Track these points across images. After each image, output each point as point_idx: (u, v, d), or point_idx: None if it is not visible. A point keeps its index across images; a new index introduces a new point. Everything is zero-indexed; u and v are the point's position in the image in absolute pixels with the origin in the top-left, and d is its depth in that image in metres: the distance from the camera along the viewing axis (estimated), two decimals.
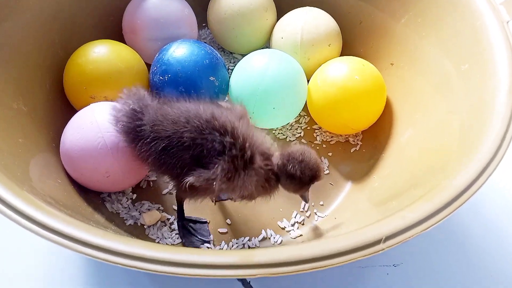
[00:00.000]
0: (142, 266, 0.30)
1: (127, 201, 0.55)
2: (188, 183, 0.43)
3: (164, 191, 0.57)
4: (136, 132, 0.46)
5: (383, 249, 0.31)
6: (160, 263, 0.31)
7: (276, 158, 0.46)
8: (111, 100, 0.55)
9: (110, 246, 0.31)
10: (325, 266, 0.30)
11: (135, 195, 0.56)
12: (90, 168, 0.49)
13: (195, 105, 0.46)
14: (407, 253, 0.54)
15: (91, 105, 0.52)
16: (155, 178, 0.58)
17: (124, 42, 0.63)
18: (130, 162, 0.50)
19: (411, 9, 0.59)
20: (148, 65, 0.60)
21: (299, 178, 0.44)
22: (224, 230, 0.54)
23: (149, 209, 0.55)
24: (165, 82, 0.56)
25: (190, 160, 0.44)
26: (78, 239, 0.33)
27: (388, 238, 0.32)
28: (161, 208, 0.55)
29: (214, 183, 0.42)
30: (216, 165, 0.42)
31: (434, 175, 0.42)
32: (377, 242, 0.32)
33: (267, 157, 0.45)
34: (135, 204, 0.55)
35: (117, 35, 0.65)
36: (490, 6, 0.49)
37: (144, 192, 0.57)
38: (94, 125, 0.49)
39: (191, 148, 0.43)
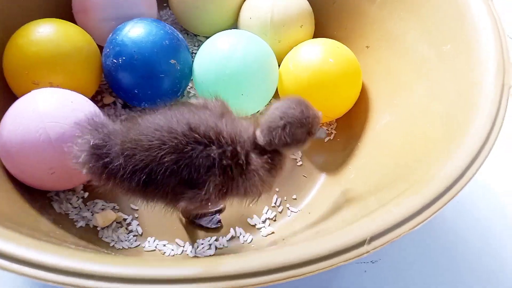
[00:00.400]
0: (80, 284, 0.25)
1: (78, 200, 0.49)
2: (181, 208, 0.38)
3: None
4: (107, 171, 0.38)
5: (368, 252, 0.27)
6: (105, 279, 0.26)
7: (260, 138, 0.38)
8: (57, 86, 0.49)
9: (41, 260, 0.26)
10: (302, 275, 0.25)
11: (87, 194, 0.50)
12: (31, 163, 0.43)
13: (165, 117, 0.39)
14: (384, 248, 0.50)
15: (33, 91, 0.46)
16: None
17: (75, 23, 0.57)
18: None
19: None
20: (101, 48, 0.54)
21: (296, 142, 0.38)
22: (188, 228, 0.49)
23: (102, 209, 0.49)
24: (119, 65, 0.50)
25: (180, 184, 0.37)
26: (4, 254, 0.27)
27: (373, 238, 0.28)
28: (117, 207, 0.50)
29: (209, 202, 0.37)
30: (207, 183, 0.37)
31: (418, 165, 0.38)
32: (361, 243, 0.27)
33: (261, 147, 0.39)
34: (87, 204, 0.49)
35: (67, 15, 0.58)
36: None
37: (97, 189, 0.50)
38: (36, 114, 0.43)
39: (177, 172, 0.37)
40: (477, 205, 0.54)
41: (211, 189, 0.37)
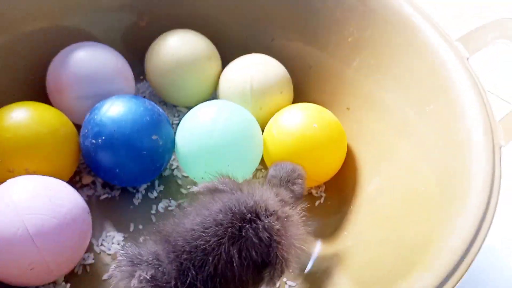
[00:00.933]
0: None
1: None
2: None
3: (105, 276, 0.47)
4: None
5: None
6: None
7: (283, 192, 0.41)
8: (34, 172, 0.46)
9: None
10: None
11: (68, 285, 0.46)
12: (8, 260, 0.40)
13: (201, 212, 0.36)
14: None
15: (7, 182, 0.43)
16: (93, 261, 0.48)
17: (50, 103, 0.55)
18: (59, 248, 0.41)
19: (362, 51, 0.57)
20: (79, 127, 0.52)
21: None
22: None
23: None
24: (98, 145, 0.48)
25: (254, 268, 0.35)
26: None
27: None
28: None
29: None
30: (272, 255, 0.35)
31: (420, 237, 0.37)
32: None
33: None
34: None
35: (42, 97, 0.56)
36: (448, 43, 0.47)
37: (80, 279, 0.47)
38: (11, 208, 0.40)
39: (248, 257, 0.34)
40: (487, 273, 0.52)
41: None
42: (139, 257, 0.34)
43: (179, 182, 0.57)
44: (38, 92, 0.57)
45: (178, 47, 0.59)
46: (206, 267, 0.33)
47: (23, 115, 0.48)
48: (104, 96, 0.53)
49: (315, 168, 0.53)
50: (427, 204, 0.40)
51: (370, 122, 0.55)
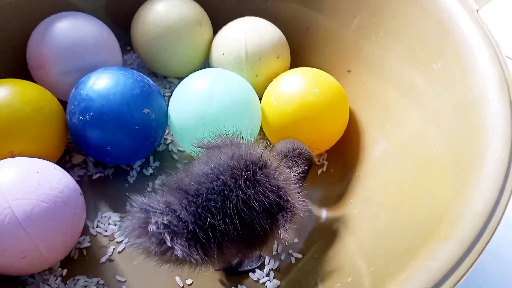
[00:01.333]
0: None
1: (56, 279, 0.43)
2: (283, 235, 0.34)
3: (103, 259, 0.45)
4: (201, 236, 0.33)
5: None
6: None
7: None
8: (19, 155, 0.43)
9: None
10: None
11: (65, 271, 0.44)
12: None
13: (207, 161, 0.36)
14: None
15: None
16: (89, 244, 0.46)
17: (32, 80, 0.51)
18: (51, 233, 0.39)
19: (363, 8, 0.53)
20: (65, 103, 0.49)
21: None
22: None
23: (86, 286, 0.43)
24: (86, 122, 0.45)
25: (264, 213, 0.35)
26: None
27: None
28: (101, 282, 0.44)
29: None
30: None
31: (434, 202, 0.35)
32: None
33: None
34: (67, 282, 0.43)
35: (22, 73, 0.53)
36: None
37: (76, 264, 0.45)
38: None
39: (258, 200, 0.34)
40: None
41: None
42: (151, 205, 0.33)
43: (175, 157, 0.55)
44: (18, 68, 0.53)
45: (166, 13, 0.55)
46: (225, 209, 0.33)
47: (3, 93, 0.44)
48: (89, 69, 0.50)
49: (317, 135, 0.51)
50: (441, 168, 0.38)
51: (373, 84, 0.52)
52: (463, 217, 0.28)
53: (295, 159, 0.42)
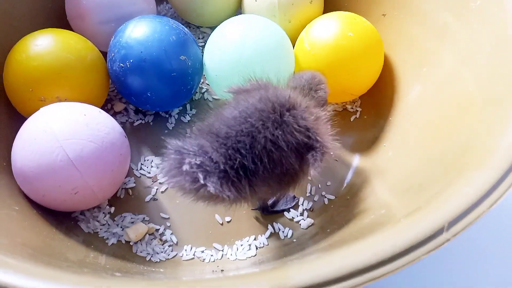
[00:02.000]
0: None
1: (105, 216, 0.47)
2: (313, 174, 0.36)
3: (147, 198, 0.48)
4: (233, 175, 0.34)
5: (449, 240, 0.24)
6: None
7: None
8: (65, 100, 0.46)
9: None
10: (383, 275, 0.23)
11: (113, 208, 0.47)
12: (52, 187, 0.40)
13: (235, 105, 0.37)
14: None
15: (41, 109, 0.43)
16: (134, 184, 0.49)
17: (71, 30, 0.53)
18: (100, 171, 0.41)
19: None
20: (104, 53, 0.51)
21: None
22: (223, 230, 0.46)
23: (132, 223, 0.46)
24: (127, 69, 0.47)
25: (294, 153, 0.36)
26: None
27: (451, 224, 0.25)
28: (146, 218, 0.47)
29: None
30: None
31: (470, 136, 0.35)
32: (439, 231, 0.24)
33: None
34: (115, 219, 0.47)
35: (62, 23, 0.54)
36: None
37: (123, 203, 0.48)
38: (49, 133, 0.40)
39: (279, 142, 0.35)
40: None
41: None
42: (184, 147, 0.35)
43: (210, 105, 0.56)
44: (58, 19, 0.55)
45: None
46: (254, 149, 0.34)
47: (48, 42, 0.46)
48: (126, 19, 0.51)
49: (352, 80, 0.51)
50: (475, 107, 0.38)
51: (408, 27, 0.51)
52: (497, 148, 0.29)
53: (316, 87, 0.43)
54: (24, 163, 0.40)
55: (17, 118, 0.48)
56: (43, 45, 0.46)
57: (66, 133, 0.40)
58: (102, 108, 0.52)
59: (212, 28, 0.61)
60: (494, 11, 0.41)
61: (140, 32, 0.47)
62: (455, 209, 0.25)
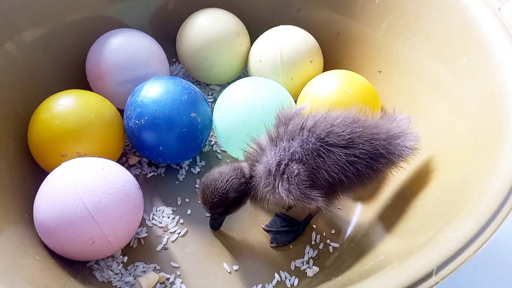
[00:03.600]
0: None
1: (118, 265, 0.49)
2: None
3: (158, 247, 0.50)
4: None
5: (437, 282, 0.26)
6: None
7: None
8: (85, 155, 0.49)
9: None
10: None
11: (126, 258, 0.49)
12: (71, 237, 0.43)
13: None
14: None
15: (63, 164, 0.46)
16: (146, 235, 0.51)
17: (91, 90, 0.58)
18: (116, 221, 0.44)
19: (390, 12, 0.56)
20: (121, 110, 0.55)
21: None
22: (232, 278, 0.48)
23: (144, 271, 0.48)
24: (141, 125, 0.51)
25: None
26: None
27: (439, 268, 0.27)
28: (158, 267, 0.49)
29: None
30: None
31: (461, 186, 0.37)
32: (428, 275, 0.26)
33: None
34: (128, 268, 0.49)
35: (82, 84, 0.59)
36: None
37: (136, 252, 0.50)
38: (70, 187, 0.43)
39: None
40: None
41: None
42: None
43: (219, 156, 0.59)
44: (79, 80, 0.60)
45: (208, 26, 0.61)
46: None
47: (70, 102, 0.51)
48: (142, 79, 0.56)
49: None
50: (467, 155, 0.41)
51: (402, 83, 0.55)
52: (485, 194, 0.31)
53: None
54: (45, 215, 0.43)
55: (39, 173, 0.51)
56: (65, 105, 0.50)
57: (85, 186, 0.43)
58: (118, 161, 0.56)
59: (221, 85, 0.66)
60: (478, 69, 0.44)
61: (155, 92, 0.51)
62: (443, 254, 0.27)
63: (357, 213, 0.53)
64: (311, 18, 0.64)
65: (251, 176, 0.44)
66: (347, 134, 0.42)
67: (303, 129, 0.42)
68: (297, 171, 0.40)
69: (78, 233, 0.43)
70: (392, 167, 0.44)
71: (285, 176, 0.41)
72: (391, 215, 0.48)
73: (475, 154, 0.40)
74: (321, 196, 0.40)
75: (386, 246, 0.41)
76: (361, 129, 0.42)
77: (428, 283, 0.26)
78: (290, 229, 0.51)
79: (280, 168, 0.41)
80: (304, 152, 0.41)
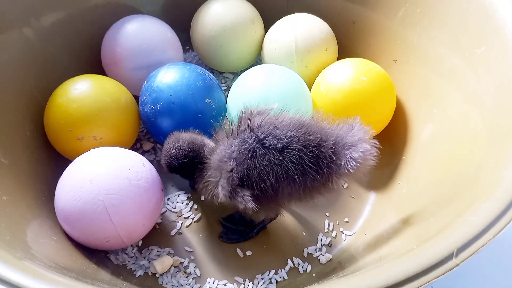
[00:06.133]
0: None
1: (133, 249, 0.49)
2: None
3: (173, 232, 0.51)
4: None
5: (458, 265, 0.26)
6: None
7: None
8: (101, 139, 0.50)
9: None
10: None
11: (140, 242, 0.50)
12: (87, 233, 0.44)
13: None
14: None
15: (91, 152, 0.46)
16: (160, 220, 0.52)
17: (106, 75, 0.58)
18: (132, 225, 0.44)
19: (407, 0, 0.56)
20: (135, 96, 0.55)
21: None
22: (245, 263, 0.48)
23: (158, 255, 0.49)
24: (157, 111, 0.51)
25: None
26: None
27: (459, 250, 0.27)
28: (172, 251, 0.49)
29: None
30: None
31: (478, 172, 0.37)
32: (449, 257, 0.27)
33: None
34: (142, 252, 0.49)
35: (97, 69, 0.60)
36: None
37: (150, 236, 0.50)
38: (94, 185, 0.42)
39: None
40: None
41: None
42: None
43: None
44: (94, 65, 0.60)
45: (222, 13, 0.61)
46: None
47: (86, 86, 0.51)
48: (156, 65, 0.56)
49: (366, 122, 0.53)
50: (483, 144, 0.41)
51: (418, 71, 0.55)
52: (502, 181, 0.31)
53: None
54: (66, 207, 0.43)
55: (55, 157, 0.52)
56: (82, 89, 0.51)
57: (109, 187, 0.42)
58: (132, 147, 0.56)
59: (234, 73, 0.66)
60: (497, 57, 0.44)
61: (170, 77, 0.51)
62: (463, 237, 0.27)
63: (371, 202, 0.53)
64: (326, 6, 0.63)
65: (208, 158, 0.44)
66: (286, 138, 0.40)
67: (248, 128, 0.42)
68: (230, 168, 0.40)
69: (95, 231, 0.43)
70: (337, 177, 0.41)
71: (223, 171, 0.41)
72: (405, 203, 0.48)
73: (491, 143, 0.40)
74: (250, 197, 0.39)
75: (401, 234, 0.41)
76: (305, 135, 0.40)
77: (448, 265, 0.26)
78: (244, 230, 0.50)
79: (222, 164, 0.41)
80: (241, 151, 0.40)
